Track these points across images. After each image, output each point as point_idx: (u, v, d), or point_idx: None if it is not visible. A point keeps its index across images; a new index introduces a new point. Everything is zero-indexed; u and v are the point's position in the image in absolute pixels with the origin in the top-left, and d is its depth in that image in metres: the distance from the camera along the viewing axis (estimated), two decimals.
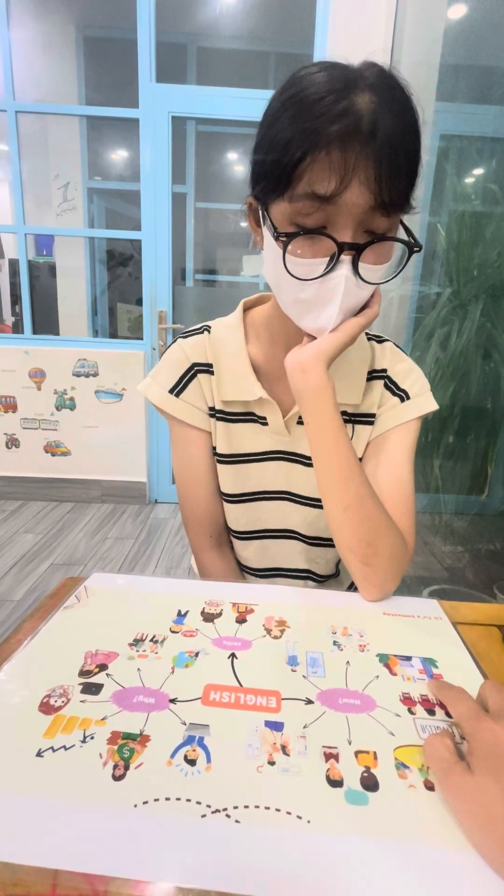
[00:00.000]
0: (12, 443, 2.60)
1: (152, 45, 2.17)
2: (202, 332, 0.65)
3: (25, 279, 2.48)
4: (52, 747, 0.32)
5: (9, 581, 1.88)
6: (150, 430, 2.60)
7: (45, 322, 2.88)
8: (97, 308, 3.30)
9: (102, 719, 0.35)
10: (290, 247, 0.46)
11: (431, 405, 0.63)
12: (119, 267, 3.62)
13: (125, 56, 2.21)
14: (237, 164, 3.41)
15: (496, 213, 1.62)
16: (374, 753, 0.33)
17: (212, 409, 0.65)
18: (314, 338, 0.53)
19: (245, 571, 0.75)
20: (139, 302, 2.48)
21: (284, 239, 0.46)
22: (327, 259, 0.46)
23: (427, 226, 1.86)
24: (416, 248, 0.48)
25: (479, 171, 1.87)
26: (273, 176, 0.45)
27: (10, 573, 1.94)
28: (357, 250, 0.45)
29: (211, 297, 2.84)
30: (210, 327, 0.66)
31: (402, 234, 0.49)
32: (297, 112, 0.42)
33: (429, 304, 1.74)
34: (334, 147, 0.41)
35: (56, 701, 0.36)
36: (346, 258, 0.45)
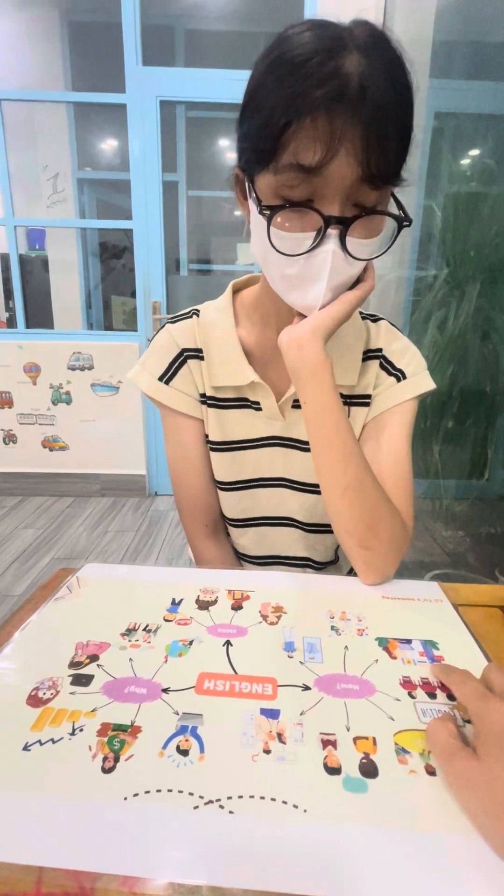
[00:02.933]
0: (9, 439, 2.59)
1: (137, 28, 2.12)
2: (190, 317, 0.63)
3: (17, 273, 2.45)
4: (39, 741, 0.31)
5: (9, 576, 1.88)
6: (148, 421, 2.58)
7: (39, 316, 2.85)
8: (91, 301, 3.26)
9: (92, 711, 0.34)
10: (275, 220, 0.44)
11: (429, 384, 0.61)
12: (112, 259, 3.57)
13: (112, 40, 2.15)
14: (229, 150, 3.35)
15: (492, 192, 1.59)
16: (374, 739, 0.32)
17: (203, 395, 0.63)
18: (305, 317, 0.51)
19: (243, 559, 0.74)
20: (134, 294, 2.45)
21: (268, 212, 0.44)
22: (314, 233, 0.44)
23: (423, 207, 1.82)
24: (405, 223, 0.46)
25: (474, 150, 1.83)
26: (257, 145, 0.43)
27: (11, 568, 1.93)
28: (344, 224, 0.43)
29: (205, 287, 2.80)
30: (199, 311, 0.64)
31: (392, 207, 0.47)
32: (282, 75, 0.40)
33: (426, 286, 1.71)
34: (320, 113, 0.39)
35: (44, 693, 0.35)
36: (332, 232, 0.43)
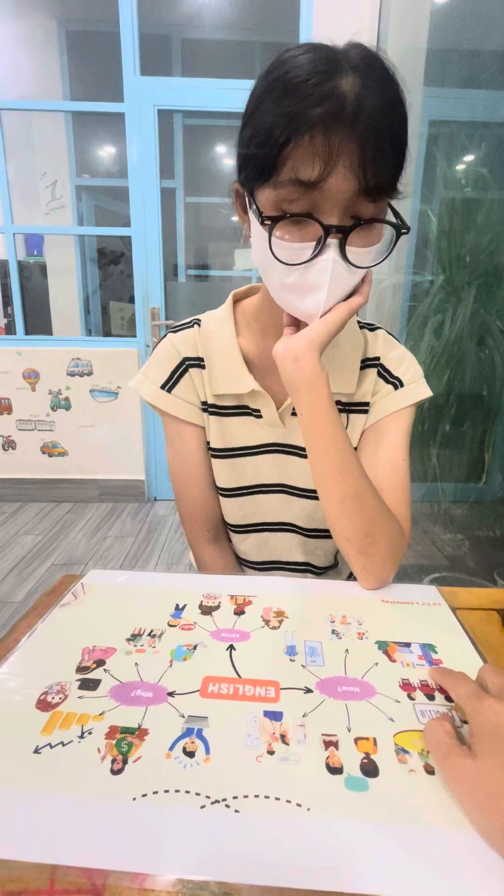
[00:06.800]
0: (9, 445, 2.59)
1: (135, 38, 2.14)
2: (192, 326, 0.65)
3: (16, 280, 2.46)
4: (49, 744, 0.32)
5: (9, 583, 1.88)
6: (147, 427, 2.59)
7: (38, 322, 2.86)
8: (90, 307, 3.28)
9: (100, 714, 0.35)
10: (276, 231, 0.45)
11: (425, 392, 0.62)
12: (111, 265, 3.59)
13: (109, 50, 2.18)
14: (226, 157, 3.37)
15: (486, 198, 1.61)
16: (374, 740, 0.33)
17: (204, 403, 0.64)
18: (297, 327, 0.52)
19: (244, 565, 0.75)
20: (132, 300, 2.46)
21: (269, 223, 0.45)
22: (314, 243, 0.45)
23: (418, 214, 1.84)
24: (403, 231, 0.47)
25: (468, 157, 1.85)
26: (257, 162, 0.44)
27: (11, 575, 1.93)
28: (344, 233, 0.44)
29: (204, 292, 2.82)
30: (200, 321, 0.65)
31: (389, 217, 0.48)
32: (280, 95, 0.41)
33: (422, 292, 1.73)
34: (318, 131, 0.40)
35: (53, 698, 0.36)
36: (332, 241, 0.45)
